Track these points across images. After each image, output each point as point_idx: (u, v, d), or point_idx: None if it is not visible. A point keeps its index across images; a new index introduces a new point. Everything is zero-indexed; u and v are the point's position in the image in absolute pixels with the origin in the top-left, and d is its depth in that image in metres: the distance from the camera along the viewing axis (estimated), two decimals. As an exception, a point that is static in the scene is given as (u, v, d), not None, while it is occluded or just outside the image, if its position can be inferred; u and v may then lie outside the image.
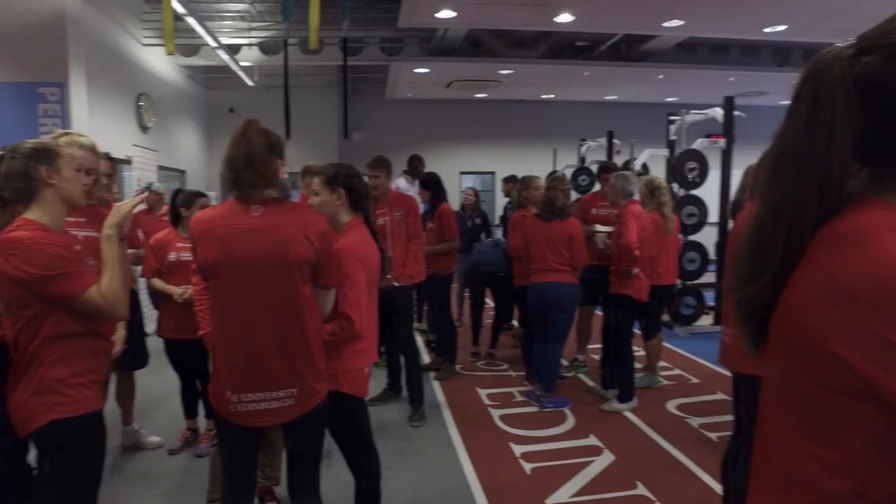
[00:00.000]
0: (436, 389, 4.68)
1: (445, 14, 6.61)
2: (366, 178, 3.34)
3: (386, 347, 4.47)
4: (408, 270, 4.06)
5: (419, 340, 5.84)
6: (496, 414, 4.18)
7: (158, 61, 8.31)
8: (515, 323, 5.78)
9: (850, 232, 0.72)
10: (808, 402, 0.76)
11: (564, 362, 5.00)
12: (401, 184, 6.75)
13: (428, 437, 3.83)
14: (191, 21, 6.41)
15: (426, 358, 5.45)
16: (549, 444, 3.67)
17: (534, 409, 4.25)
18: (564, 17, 6.70)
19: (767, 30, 7.24)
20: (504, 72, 9.58)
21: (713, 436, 3.78)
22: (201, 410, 3.61)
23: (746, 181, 4.56)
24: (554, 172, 5.94)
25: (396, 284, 3.95)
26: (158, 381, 4.35)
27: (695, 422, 4.02)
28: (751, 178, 4.61)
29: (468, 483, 3.20)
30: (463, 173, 12.88)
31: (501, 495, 3.08)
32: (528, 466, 3.38)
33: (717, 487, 3.05)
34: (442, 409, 4.30)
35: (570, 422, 4.03)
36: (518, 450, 3.60)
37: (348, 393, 2.24)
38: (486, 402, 4.42)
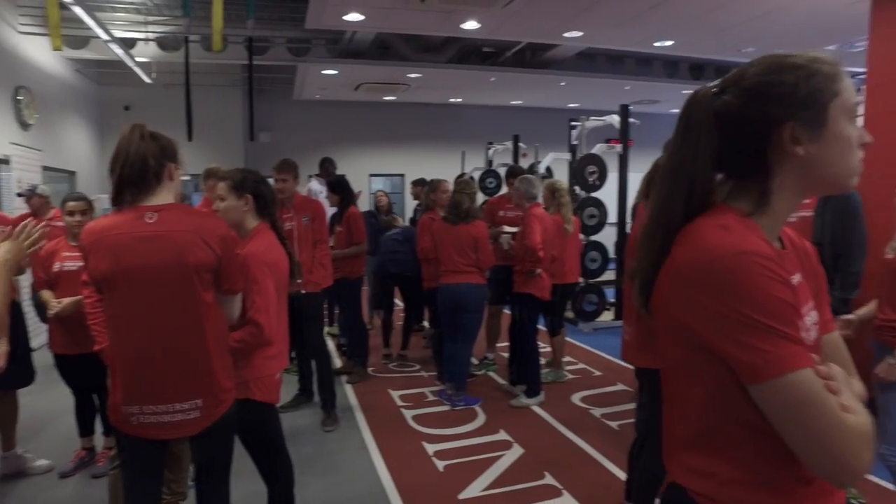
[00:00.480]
0: (348, 393, 4.66)
1: (353, 17, 6.58)
2: (272, 181, 3.29)
3: (297, 352, 4.41)
4: (315, 277, 4.03)
5: (330, 344, 5.79)
6: (409, 414, 4.22)
7: (40, 52, 7.69)
8: (426, 324, 5.86)
9: (692, 228, 0.96)
10: (676, 359, 1.01)
11: (475, 361, 5.13)
12: (313, 186, 6.67)
13: (341, 441, 3.81)
14: (78, 11, 5.99)
15: (338, 362, 5.41)
16: (460, 442, 3.76)
17: (446, 408, 4.34)
18: (470, 25, 6.86)
19: (657, 44, 7.77)
20: (412, 75, 9.66)
21: (614, 424, 4.02)
22: (98, 428, 3.40)
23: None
24: (462, 175, 6.07)
25: (304, 292, 3.91)
26: (47, 399, 4.04)
27: (597, 412, 4.25)
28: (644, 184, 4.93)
29: (382, 485, 3.23)
30: (372, 175, 12.84)
31: (416, 495, 3.13)
32: (440, 464, 3.45)
33: (619, 472, 3.26)
34: (355, 412, 4.29)
35: (480, 418, 4.15)
36: (431, 448, 3.66)
37: (259, 400, 2.21)
38: (399, 403, 4.46)
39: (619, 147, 6.65)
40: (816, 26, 6.79)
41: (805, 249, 1.12)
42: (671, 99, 11.51)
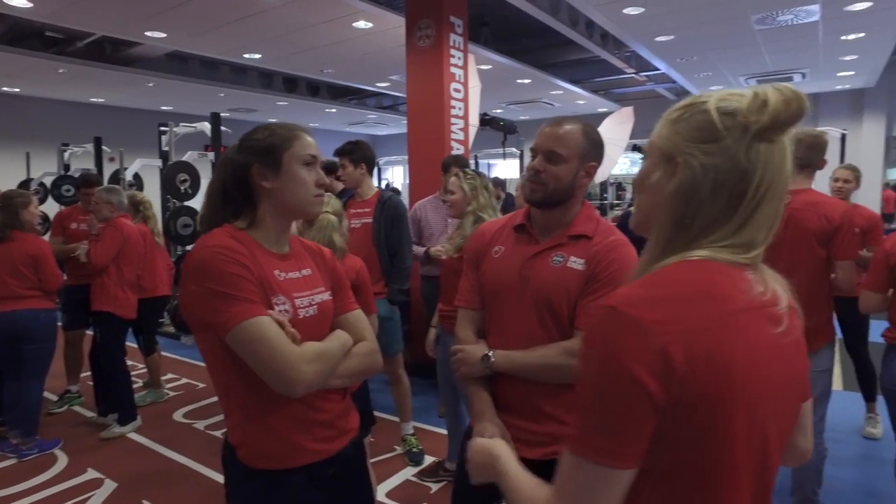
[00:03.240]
0: None
1: None
2: None
3: None
4: None
5: None
6: (-46, 483, 3.41)
7: None
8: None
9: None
10: (200, 338, 1.34)
11: (53, 397, 4.45)
12: None
13: None
14: None
15: None
16: (34, 496, 3.23)
17: (12, 461, 3.65)
18: (18, 1, 5.81)
19: (247, 55, 7.98)
20: (-61, 53, 7.65)
21: (219, 433, 4.02)
22: None
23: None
24: (28, 181, 5.15)
25: None
26: None
27: (201, 425, 4.19)
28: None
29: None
30: None
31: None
32: (5, 529, 2.92)
33: (222, 478, 3.31)
34: None
35: (62, 462, 3.63)
36: (-11, 516, 3.06)
37: None
38: (-59, 470, 3.56)
39: (211, 155, 6.59)
40: (378, 59, 8.01)
41: (321, 255, 1.53)
42: (268, 109, 11.93)
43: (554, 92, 11.09)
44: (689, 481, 0.76)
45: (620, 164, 12.76)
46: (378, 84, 10.15)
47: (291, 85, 11.12)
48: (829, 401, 2.83)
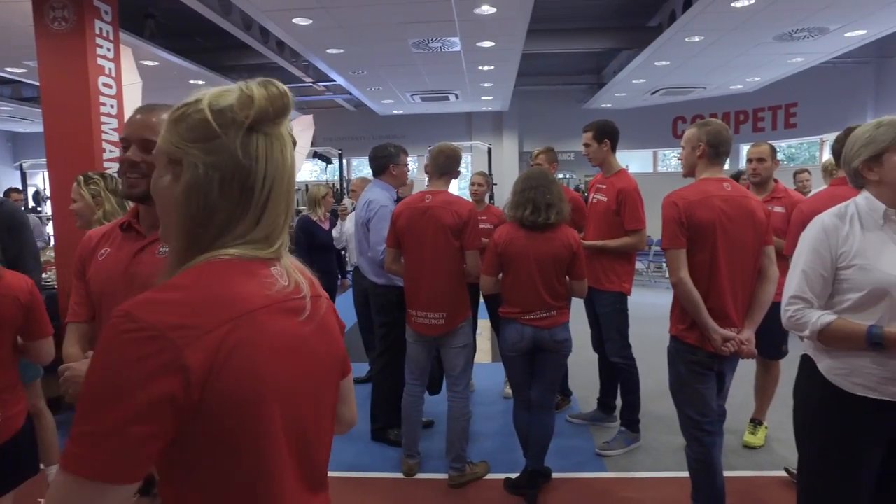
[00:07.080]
0: None
1: None
2: None
3: None
4: None
5: None
6: None
7: None
8: None
9: None
10: None
11: None
12: None
13: None
14: None
15: None
16: None
17: None
18: None
19: None
20: None
21: None
22: None
23: None
24: None
25: None
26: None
27: None
28: None
29: None
30: None
31: None
32: None
33: None
34: None
35: None
36: None
37: None
38: None
39: None
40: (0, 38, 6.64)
41: None
42: None
43: (232, 95, 10.71)
44: (235, 477, 0.76)
45: (305, 171, 13.03)
46: (9, 69, 8.39)
47: None
48: (473, 371, 3.38)
